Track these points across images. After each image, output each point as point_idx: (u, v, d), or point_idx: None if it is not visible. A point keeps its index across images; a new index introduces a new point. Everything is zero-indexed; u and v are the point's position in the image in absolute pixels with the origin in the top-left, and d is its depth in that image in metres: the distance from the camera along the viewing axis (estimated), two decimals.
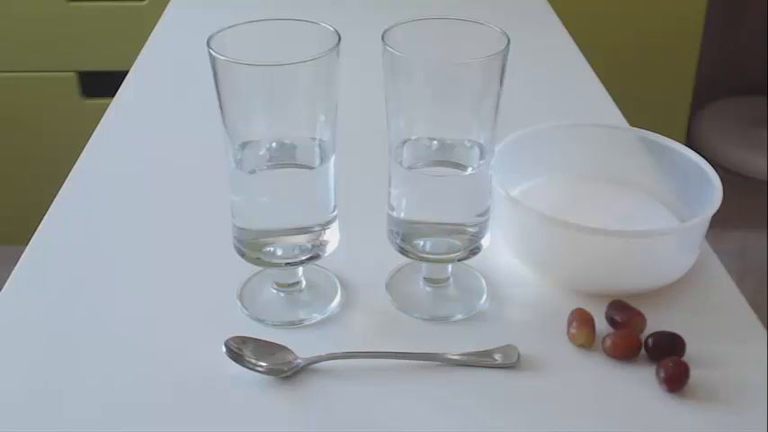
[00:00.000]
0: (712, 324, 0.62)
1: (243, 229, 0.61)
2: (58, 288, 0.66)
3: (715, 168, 0.68)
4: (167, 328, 0.62)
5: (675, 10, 1.81)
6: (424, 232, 0.62)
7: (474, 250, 0.61)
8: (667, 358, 0.57)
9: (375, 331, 0.62)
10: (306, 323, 0.62)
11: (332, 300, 0.64)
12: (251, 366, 0.57)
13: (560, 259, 0.65)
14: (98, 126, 0.90)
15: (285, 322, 0.62)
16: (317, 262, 0.62)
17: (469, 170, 0.59)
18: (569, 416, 0.55)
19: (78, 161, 0.83)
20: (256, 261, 0.61)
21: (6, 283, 0.66)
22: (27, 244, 0.71)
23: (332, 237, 0.62)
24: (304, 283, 0.65)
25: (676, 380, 0.56)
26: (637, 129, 0.76)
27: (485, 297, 0.65)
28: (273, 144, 0.59)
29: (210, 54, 0.54)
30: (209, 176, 0.74)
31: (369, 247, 0.66)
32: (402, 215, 0.61)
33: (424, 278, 0.65)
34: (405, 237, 0.61)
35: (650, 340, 0.58)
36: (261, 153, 0.59)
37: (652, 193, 0.73)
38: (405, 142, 0.59)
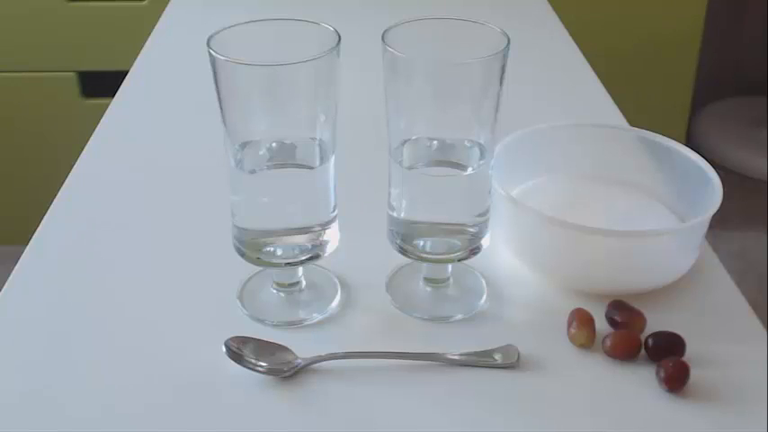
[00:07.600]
0: (712, 324, 0.62)
1: (243, 229, 0.61)
2: (58, 288, 0.66)
3: (715, 168, 0.68)
4: (167, 328, 0.62)
5: (676, 10, 1.81)
6: (424, 232, 0.62)
7: (474, 250, 0.61)
8: (667, 358, 0.57)
9: (375, 331, 0.62)
10: (306, 323, 0.62)
11: (332, 300, 0.64)
12: (251, 366, 0.57)
13: (560, 259, 0.65)
14: (98, 126, 0.90)
15: (285, 322, 0.62)
16: (317, 262, 0.62)
17: (469, 170, 0.59)
18: (569, 416, 0.55)
19: (78, 161, 0.83)
20: (256, 261, 0.61)
21: (6, 283, 0.66)
22: (27, 244, 0.71)
23: (332, 237, 0.62)
24: (304, 283, 0.65)
25: (676, 380, 0.56)
26: (637, 129, 0.76)
27: (485, 297, 0.65)
28: (273, 144, 0.59)
29: (210, 54, 0.54)
30: (210, 176, 0.74)
31: (369, 247, 0.65)
32: (402, 215, 0.61)
33: (424, 278, 0.65)
34: (405, 237, 0.61)
35: (650, 340, 0.58)
36: (261, 153, 0.59)
37: (652, 193, 0.73)
38: (405, 142, 0.59)
